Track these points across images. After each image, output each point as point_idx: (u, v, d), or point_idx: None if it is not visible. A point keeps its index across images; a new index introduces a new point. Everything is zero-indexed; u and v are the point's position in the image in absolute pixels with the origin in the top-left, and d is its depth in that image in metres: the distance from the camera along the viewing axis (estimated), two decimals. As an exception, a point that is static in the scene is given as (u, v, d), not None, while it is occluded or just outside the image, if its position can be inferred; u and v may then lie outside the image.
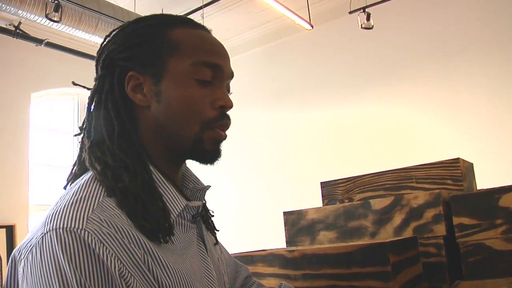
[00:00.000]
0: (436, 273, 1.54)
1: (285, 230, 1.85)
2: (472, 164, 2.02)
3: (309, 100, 5.44)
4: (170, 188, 0.91)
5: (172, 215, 0.89)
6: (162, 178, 0.91)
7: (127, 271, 0.75)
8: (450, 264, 1.56)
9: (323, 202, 2.07)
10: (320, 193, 2.09)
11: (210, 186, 1.06)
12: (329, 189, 2.05)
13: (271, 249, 1.50)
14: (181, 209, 0.91)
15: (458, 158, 1.81)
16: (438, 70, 4.59)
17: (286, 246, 1.84)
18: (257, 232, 5.40)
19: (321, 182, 2.10)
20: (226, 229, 5.66)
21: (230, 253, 1.32)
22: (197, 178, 1.07)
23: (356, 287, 1.30)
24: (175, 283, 0.81)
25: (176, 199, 0.91)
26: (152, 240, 0.82)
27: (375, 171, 1.95)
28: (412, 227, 1.58)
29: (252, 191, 5.76)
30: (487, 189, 1.53)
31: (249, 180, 5.81)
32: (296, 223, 1.82)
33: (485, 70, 4.32)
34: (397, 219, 1.61)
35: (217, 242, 1.12)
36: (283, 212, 1.88)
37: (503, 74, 4.23)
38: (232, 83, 1.04)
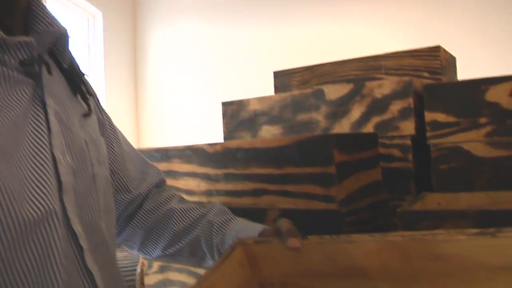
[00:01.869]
0: (399, 182, 1.24)
1: (223, 124, 1.52)
2: (455, 58, 1.68)
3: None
4: None
5: None
6: None
7: None
8: (418, 171, 1.25)
9: (275, 95, 1.73)
10: (273, 85, 1.75)
11: (67, 30, 0.70)
12: (283, 79, 1.70)
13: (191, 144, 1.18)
14: None
15: (438, 46, 1.46)
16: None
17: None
18: (200, 128, 5.08)
19: (274, 72, 1.75)
20: (166, 122, 5.36)
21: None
22: (55, 20, 0.71)
23: (289, 193, 0.99)
24: None
25: None
26: None
27: (338, 59, 1.61)
28: (374, 123, 1.26)
29: (196, 80, 5.40)
30: (471, 79, 1.19)
31: (194, 69, 5.43)
32: (235, 116, 1.49)
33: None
34: (356, 112, 1.28)
35: (89, 113, 0.76)
36: (222, 102, 1.54)
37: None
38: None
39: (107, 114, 0.90)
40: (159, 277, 1.33)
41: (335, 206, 0.93)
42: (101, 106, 0.88)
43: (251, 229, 0.84)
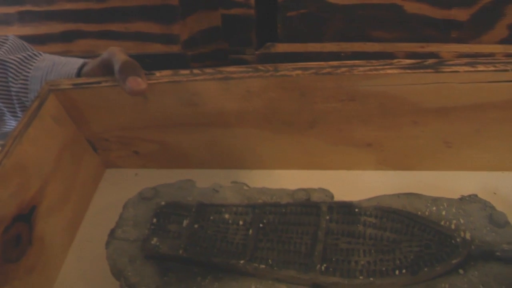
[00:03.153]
0: (238, 31, 1.06)
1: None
2: None
3: None
4: None
5: None
6: None
7: None
8: (261, 19, 1.08)
9: None
10: None
11: None
12: None
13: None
14: None
15: None
16: None
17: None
18: None
19: None
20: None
21: None
22: None
23: (115, 34, 0.75)
24: None
25: None
26: None
27: None
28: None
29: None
30: None
31: None
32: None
33: None
34: None
35: None
36: None
37: None
38: None
39: None
40: None
41: (178, 48, 0.72)
42: None
43: (66, 66, 0.59)
